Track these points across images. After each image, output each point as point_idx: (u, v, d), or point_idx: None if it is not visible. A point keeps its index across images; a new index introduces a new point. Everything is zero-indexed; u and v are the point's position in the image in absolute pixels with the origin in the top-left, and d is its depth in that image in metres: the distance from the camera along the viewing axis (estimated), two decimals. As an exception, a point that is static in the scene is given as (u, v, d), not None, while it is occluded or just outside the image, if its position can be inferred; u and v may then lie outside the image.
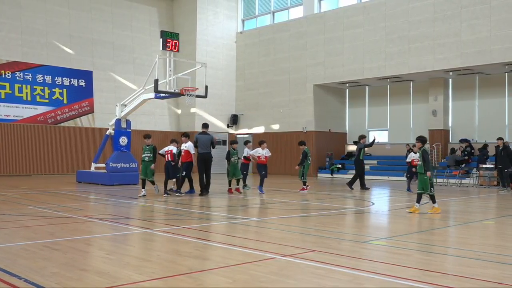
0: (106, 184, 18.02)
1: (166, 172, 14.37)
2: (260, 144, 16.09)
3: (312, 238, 7.74)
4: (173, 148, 14.35)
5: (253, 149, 16.79)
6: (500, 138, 18.34)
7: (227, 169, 15.72)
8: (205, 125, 15.17)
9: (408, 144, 24.01)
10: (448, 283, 4.95)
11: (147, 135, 14.27)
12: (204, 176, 14.74)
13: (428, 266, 5.73)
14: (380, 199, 15.08)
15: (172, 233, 7.88)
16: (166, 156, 14.37)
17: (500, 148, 17.96)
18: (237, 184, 15.62)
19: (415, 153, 15.46)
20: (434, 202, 10.62)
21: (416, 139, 11.27)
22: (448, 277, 5.19)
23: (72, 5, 26.79)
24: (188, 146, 14.29)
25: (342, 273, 5.36)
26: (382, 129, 27.39)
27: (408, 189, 16.39)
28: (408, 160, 16.71)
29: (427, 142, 11.46)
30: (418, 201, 10.68)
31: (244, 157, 16.82)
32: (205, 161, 14.64)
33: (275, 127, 29.61)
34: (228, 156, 15.51)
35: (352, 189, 17.19)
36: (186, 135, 14.51)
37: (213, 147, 14.89)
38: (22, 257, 5.94)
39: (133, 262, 5.78)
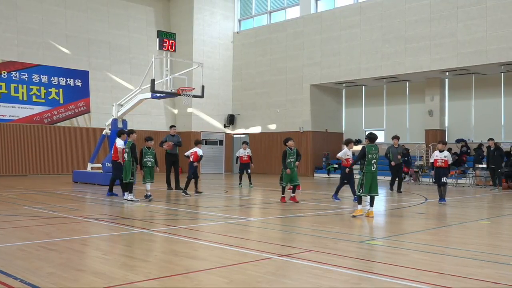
0: (103, 184, 17.97)
1: (189, 172, 14.71)
2: (347, 143, 13.44)
3: (308, 238, 7.74)
4: (197, 150, 14.71)
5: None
6: (491, 139, 18.56)
7: (281, 173, 13.08)
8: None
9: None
10: (444, 283, 4.96)
11: (149, 137, 13.44)
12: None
13: (424, 266, 5.74)
14: (376, 199, 15.06)
15: (168, 233, 7.87)
16: (190, 157, 14.75)
17: (492, 148, 18.21)
18: (293, 192, 12.86)
19: (441, 151, 12.97)
20: (282, 192, 11.74)
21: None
22: (444, 277, 5.21)
23: (68, 5, 26.72)
24: (118, 143, 13.89)
25: (338, 273, 5.37)
26: (378, 129, 27.40)
27: (441, 199, 12.86)
28: (431, 160, 13.58)
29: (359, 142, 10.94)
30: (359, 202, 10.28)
31: (237, 157, 17.76)
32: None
33: (272, 127, 29.61)
34: (285, 158, 12.62)
35: (392, 190, 16.57)
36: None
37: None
38: (18, 258, 5.92)
39: (130, 262, 5.77)
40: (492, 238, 8.03)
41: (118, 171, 13.87)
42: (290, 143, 12.75)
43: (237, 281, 4.98)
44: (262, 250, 6.47)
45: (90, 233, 8.07)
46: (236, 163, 18.52)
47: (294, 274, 5.37)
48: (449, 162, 12.93)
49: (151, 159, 13.09)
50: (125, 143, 13.66)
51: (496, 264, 5.88)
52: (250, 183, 18.09)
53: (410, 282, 4.96)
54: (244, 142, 18.40)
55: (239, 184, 18.38)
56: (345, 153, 13.11)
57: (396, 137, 16.48)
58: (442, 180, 12.79)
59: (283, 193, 12.79)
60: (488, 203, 14.24)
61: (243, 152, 17.91)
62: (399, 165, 16.51)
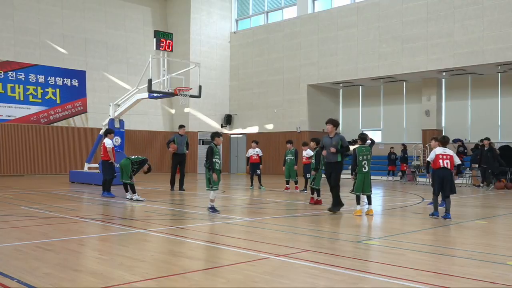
0: (100, 184, 17.91)
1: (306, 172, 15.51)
2: (443, 142, 10.15)
3: (305, 238, 7.75)
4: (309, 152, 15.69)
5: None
6: (486, 139, 18.66)
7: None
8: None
9: (403, 144, 24.21)
10: (441, 282, 4.97)
11: (218, 133, 10.66)
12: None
13: (421, 265, 5.75)
14: (374, 199, 15.09)
15: (166, 233, 7.86)
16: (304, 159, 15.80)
17: (486, 148, 18.38)
18: (312, 195, 12.34)
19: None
20: (357, 202, 10.67)
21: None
22: (441, 277, 5.21)
23: (65, 5, 26.68)
24: (107, 143, 13.85)
25: (336, 273, 5.37)
26: (375, 129, 27.46)
27: (435, 213, 9.98)
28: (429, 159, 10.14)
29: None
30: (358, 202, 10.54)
31: (247, 157, 17.30)
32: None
33: (269, 127, 29.61)
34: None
35: None
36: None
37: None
38: (14, 258, 5.91)
39: (127, 263, 5.76)
40: (489, 238, 8.04)
41: (110, 171, 13.85)
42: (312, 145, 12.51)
43: (234, 281, 4.97)
44: (259, 250, 6.47)
45: (87, 233, 8.05)
46: (247, 165, 17.61)
47: (291, 274, 5.37)
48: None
49: (219, 161, 10.24)
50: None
51: (493, 264, 5.89)
52: (261, 185, 17.20)
53: (407, 282, 4.97)
54: (254, 141, 17.69)
55: (251, 186, 17.44)
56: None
57: (329, 122, 10.98)
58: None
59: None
60: (484, 203, 14.27)
61: (252, 152, 17.22)
62: (331, 164, 10.86)
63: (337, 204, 10.69)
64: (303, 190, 15.79)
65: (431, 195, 10.22)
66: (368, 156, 10.42)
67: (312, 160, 12.24)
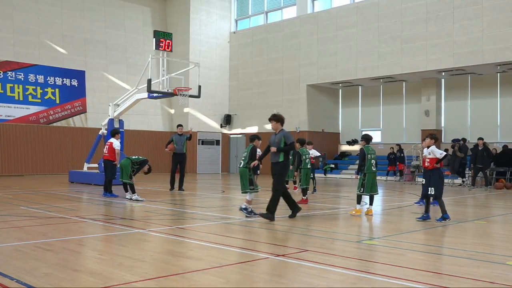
0: (99, 184, 17.92)
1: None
2: (436, 140, 9.88)
3: (305, 238, 7.75)
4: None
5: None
6: (480, 138, 18.80)
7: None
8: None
9: (398, 144, 24.20)
10: (440, 282, 4.98)
11: (257, 136, 10.78)
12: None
13: (421, 265, 5.75)
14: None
15: (165, 233, 7.87)
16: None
17: (481, 148, 18.48)
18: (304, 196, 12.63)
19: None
20: (358, 202, 10.52)
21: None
22: (440, 277, 5.22)
23: (64, 5, 26.66)
24: (115, 144, 13.83)
25: (335, 273, 5.37)
26: (375, 129, 27.47)
27: (446, 215, 9.47)
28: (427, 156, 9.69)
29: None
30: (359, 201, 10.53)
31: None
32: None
33: (269, 127, 29.44)
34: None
35: None
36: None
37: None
38: (14, 258, 5.91)
39: (126, 263, 5.76)
40: (488, 238, 8.05)
41: (112, 172, 13.85)
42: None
43: (233, 281, 4.98)
44: (259, 250, 6.47)
45: (86, 233, 8.05)
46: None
47: (291, 274, 5.37)
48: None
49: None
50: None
51: (492, 263, 5.89)
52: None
53: (407, 282, 4.97)
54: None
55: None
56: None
57: (271, 118, 10.28)
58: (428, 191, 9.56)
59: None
60: (484, 202, 14.28)
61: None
62: (274, 165, 10.11)
63: (273, 211, 9.42)
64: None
65: (430, 197, 10.18)
66: (374, 155, 10.49)
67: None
